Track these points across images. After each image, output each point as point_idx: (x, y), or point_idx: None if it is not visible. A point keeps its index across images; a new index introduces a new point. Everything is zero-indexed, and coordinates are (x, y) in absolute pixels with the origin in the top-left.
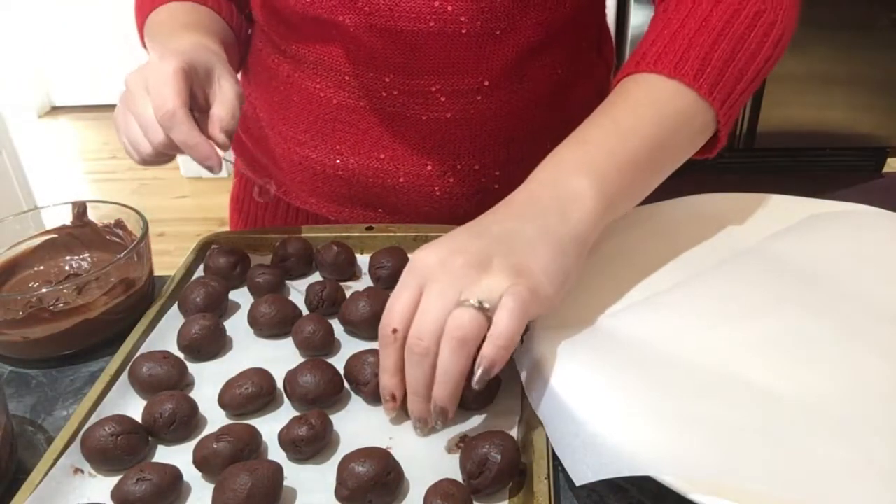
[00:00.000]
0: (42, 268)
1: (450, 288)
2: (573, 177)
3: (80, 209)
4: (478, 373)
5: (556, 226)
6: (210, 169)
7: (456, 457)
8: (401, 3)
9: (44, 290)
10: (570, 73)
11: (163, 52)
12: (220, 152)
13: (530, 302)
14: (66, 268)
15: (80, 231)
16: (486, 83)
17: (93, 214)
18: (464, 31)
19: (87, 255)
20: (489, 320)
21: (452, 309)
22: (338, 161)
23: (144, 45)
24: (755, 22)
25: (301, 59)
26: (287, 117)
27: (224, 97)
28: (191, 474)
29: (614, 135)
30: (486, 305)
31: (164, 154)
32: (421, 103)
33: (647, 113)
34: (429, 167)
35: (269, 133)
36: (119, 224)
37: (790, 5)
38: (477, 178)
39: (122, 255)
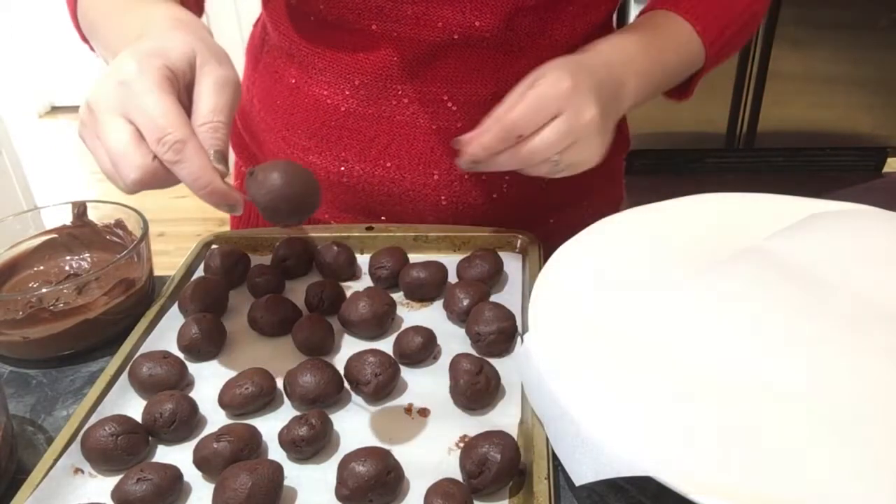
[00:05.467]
0: (42, 268)
1: (571, 134)
2: (632, 76)
3: (80, 209)
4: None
5: (617, 112)
6: (232, 210)
7: (456, 457)
8: (429, 13)
9: (44, 290)
10: None
11: (135, 56)
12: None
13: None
14: (66, 268)
15: (80, 231)
16: (500, 94)
17: (93, 214)
18: (485, 45)
19: (87, 255)
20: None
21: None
22: (342, 168)
23: (78, 27)
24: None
25: (310, 64)
26: (291, 122)
27: (205, 107)
28: (191, 474)
29: (657, 55)
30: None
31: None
32: (431, 112)
33: (675, 48)
34: (436, 176)
35: (272, 137)
36: (119, 224)
37: None
38: (484, 188)
39: (121, 255)
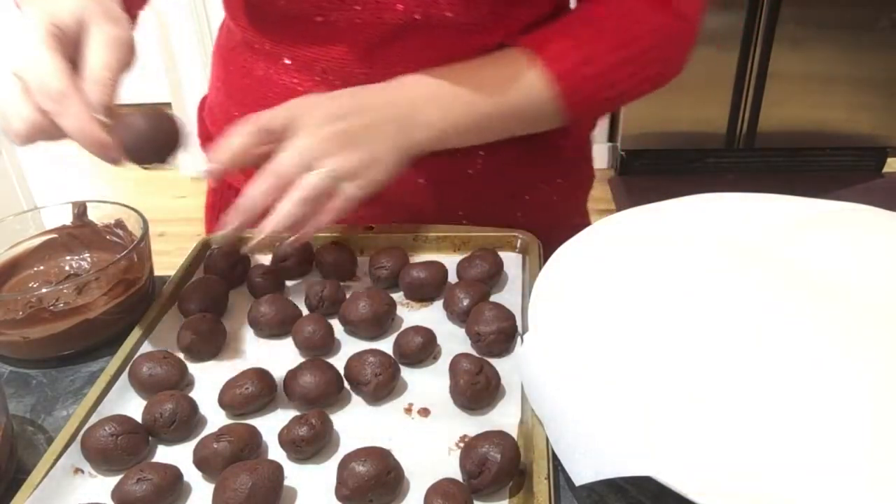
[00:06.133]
0: (42, 268)
1: (313, 149)
2: (432, 108)
3: (80, 209)
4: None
5: (405, 135)
6: (113, 161)
7: (456, 457)
8: None
9: (44, 290)
10: None
11: (28, 15)
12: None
13: (362, 195)
14: (66, 268)
15: (80, 231)
16: None
17: (93, 214)
18: (448, 24)
19: (87, 255)
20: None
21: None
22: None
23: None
24: (634, 59)
25: (276, 56)
26: None
27: (93, 62)
28: (191, 474)
29: (478, 92)
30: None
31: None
32: None
33: (515, 92)
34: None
35: None
36: (119, 224)
37: (674, 55)
38: (459, 163)
39: (122, 256)
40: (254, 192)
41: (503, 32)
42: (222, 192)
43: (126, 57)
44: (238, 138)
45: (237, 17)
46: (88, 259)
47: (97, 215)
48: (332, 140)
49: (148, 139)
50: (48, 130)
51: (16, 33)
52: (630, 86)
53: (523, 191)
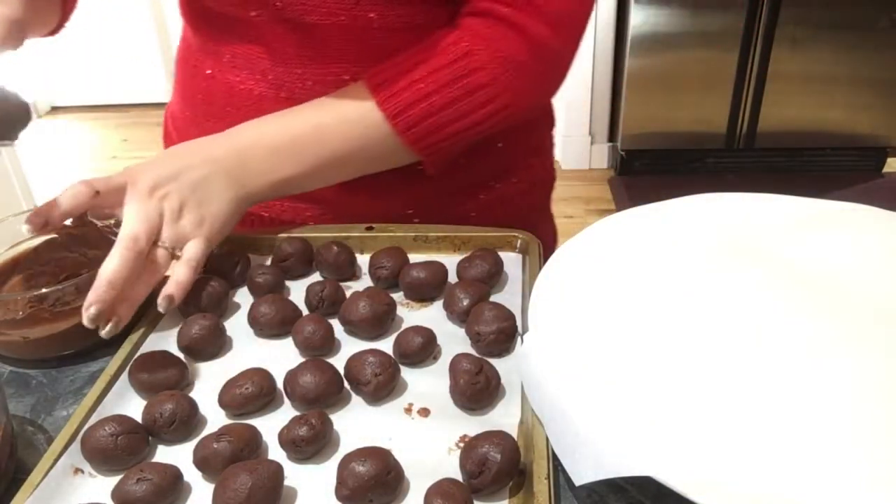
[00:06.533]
0: (43, 268)
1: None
2: (262, 159)
3: None
4: (163, 302)
5: (236, 188)
6: None
7: (456, 457)
8: None
9: (44, 290)
10: None
11: None
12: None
13: (206, 250)
14: (67, 267)
15: (81, 231)
16: None
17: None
18: (375, 26)
19: (87, 254)
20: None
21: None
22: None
23: None
24: (474, 91)
25: (220, 55)
26: (212, 112)
27: None
28: (191, 474)
29: (314, 138)
30: (173, 248)
31: None
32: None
33: (356, 133)
34: None
35: (196, 131)
36: (119, 224)
37: (522, 86)
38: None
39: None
40: (104, 270)
41: (429, 32)
42: None
43: (5, 33)
44: (67, 197)
45: (185, 16)
46: (89, 259)
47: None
48: (158, 209)
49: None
50: None
51: None
52: (474, 122)
53: (476, 189)
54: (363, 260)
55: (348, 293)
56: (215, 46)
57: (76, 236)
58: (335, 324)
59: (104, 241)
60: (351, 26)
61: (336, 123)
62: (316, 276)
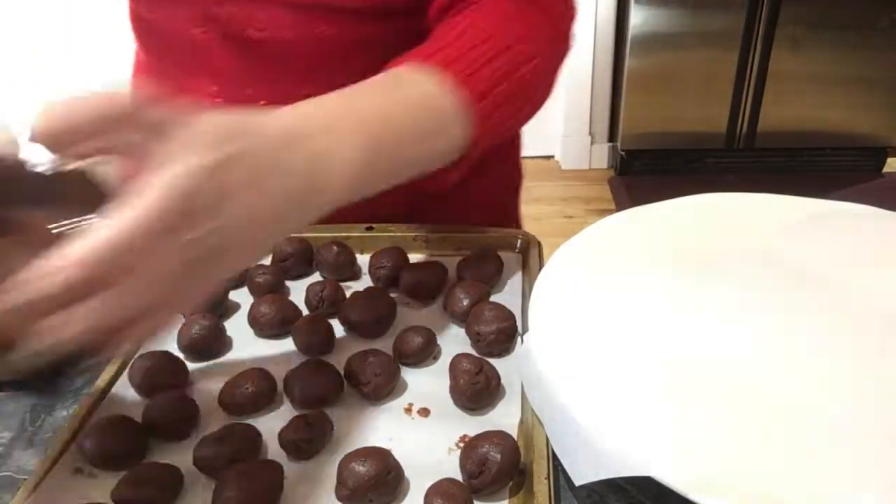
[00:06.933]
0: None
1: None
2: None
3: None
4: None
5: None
6: None
7: (456, 457)
8: (256, 12)
9: None
10: None
11: None
12: None
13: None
14: None
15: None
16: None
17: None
18: (323, 39)
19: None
20: None
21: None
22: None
23: None
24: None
25: (167, 74)
26: None
27: None
28: (191, 474)
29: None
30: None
31: None
32: None
33: (414, 105)
34: None
35: None
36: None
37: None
38: None
39: None
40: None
41: (382, 47)
42: None
43: None
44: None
45: (134, 31)
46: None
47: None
48: (210, 191)
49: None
50: None
51: None
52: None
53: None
54: (363, 260)
55: (348, 293)
56: (162, 66)
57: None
58: (335, 324)
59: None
60: (297, 41)
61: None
62: (316, 276)
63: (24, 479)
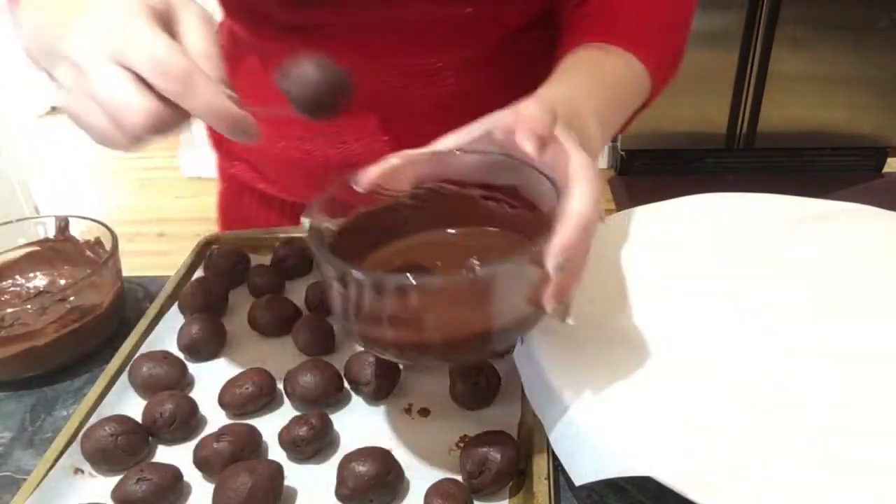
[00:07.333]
0: (20, 280)
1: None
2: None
3: (62, 223)
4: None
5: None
6: (250, 138)
7: (456, 457)
8: None
9: (8, 311)
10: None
11: (112, 1)
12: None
13: None
14: (40, 285)
15: (63, 245)
16: (489, 55)
17: (75, 229)
18: (468, 10)
19: (65, 270)
20: None
21: None
22: (341, 147)
23: None
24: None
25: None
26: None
27: (197, 38)
28: (191, 474)
29: (610, 97)
30: None
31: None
32: (423, 81)
33: (622, 83)
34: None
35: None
36: (98, 242)
37: None
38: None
39: (67, 285)
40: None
41: (511, 21)
42: (232, 194)
43: (215, 34)
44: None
45: (244, 23)
46: (66, 275)
47: (79, 230)
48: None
49: (321, 88)
50: (169, 120)
51: (98, 22)
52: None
53: None
54: None
55: None
56: (280, 49)
57: (58, 251)
58: (335, 324)
59: (83, 258)
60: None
61: (608, 77)
62: (316, 276)
63: (24, 479)
